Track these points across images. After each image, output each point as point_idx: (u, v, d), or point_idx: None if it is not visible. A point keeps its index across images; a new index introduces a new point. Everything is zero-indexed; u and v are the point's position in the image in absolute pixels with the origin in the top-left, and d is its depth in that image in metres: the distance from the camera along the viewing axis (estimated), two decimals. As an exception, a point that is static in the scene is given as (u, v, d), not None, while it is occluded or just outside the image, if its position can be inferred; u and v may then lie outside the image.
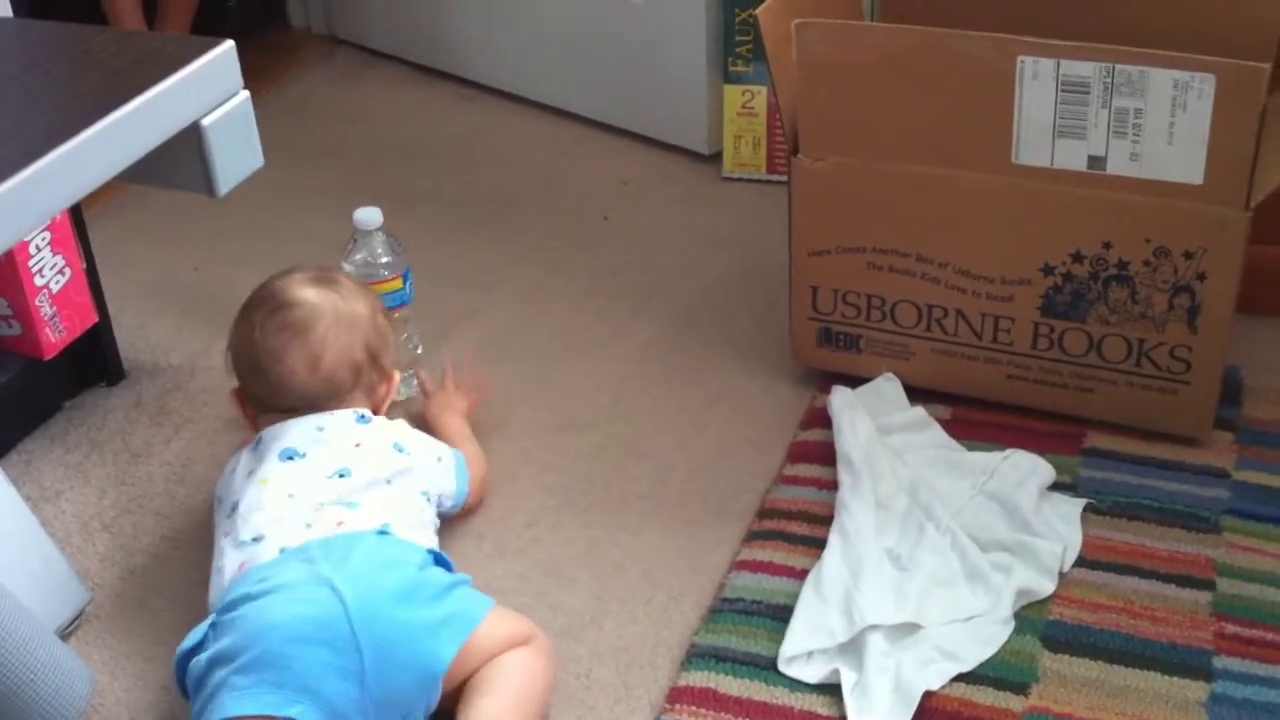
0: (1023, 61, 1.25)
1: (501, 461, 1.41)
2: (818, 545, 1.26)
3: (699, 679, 1.15)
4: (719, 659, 1.16)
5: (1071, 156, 1.28)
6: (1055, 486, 1.32)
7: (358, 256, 1.48)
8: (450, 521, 1.31)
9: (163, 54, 0.94)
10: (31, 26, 1.07)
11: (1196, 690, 1.12)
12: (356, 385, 1.26)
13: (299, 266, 1.31)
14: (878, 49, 1.31)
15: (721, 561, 1.28)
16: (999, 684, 1.13)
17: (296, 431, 1.22)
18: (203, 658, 1.07)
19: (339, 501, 1.16)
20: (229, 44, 0.95)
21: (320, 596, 1.05)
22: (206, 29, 2.14)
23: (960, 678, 1.14)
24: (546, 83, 2.08)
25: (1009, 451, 1.35)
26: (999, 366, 1.41)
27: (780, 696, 1.13)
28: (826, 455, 1.37)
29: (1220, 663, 1.14)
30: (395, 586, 1.07)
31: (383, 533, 1.14)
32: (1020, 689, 1.13)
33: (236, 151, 0.98)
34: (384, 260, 1.48)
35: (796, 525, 1.30)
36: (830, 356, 1.48)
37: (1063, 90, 1.25)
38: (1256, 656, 1.15)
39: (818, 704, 1.13)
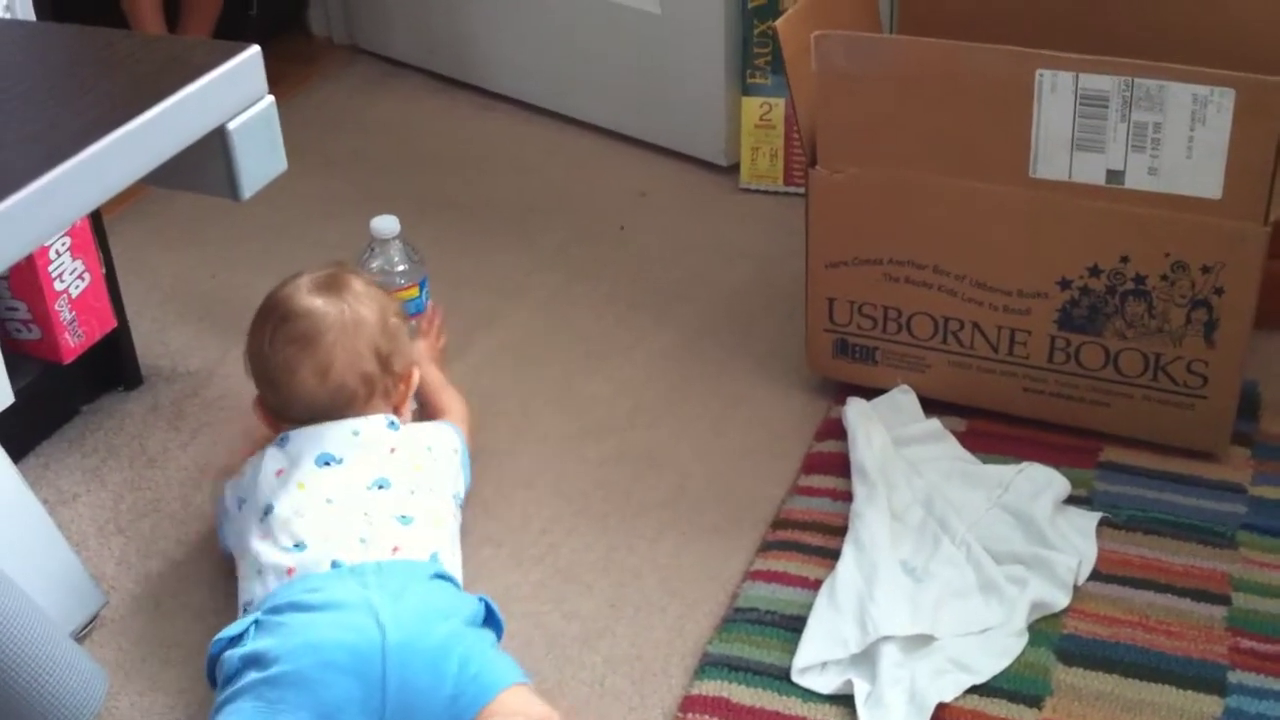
0: (1041, 75, 1.25)
1: (519, 468, 1.42)
2: (832, 556, 1.26)
3: (712, 688, 1.15)
4: (732, 668, 1.16)
5: (1090, 170, 1.28)
6: (1071, 500, 1.32)
7: (374, 264, 1.48)
8: (468, 527, 1.31)
9: (189, 58, 0.95)
10: (57, 30, 1.08)
11: (1211, 705, 1.12)
12: (372, 392, 1.26)
13: (307, 270, 1.29)
14: (896, 61, 1.31)
15: (736, 571, 1.28)
16: (1012, 696, 1.13)
17: (331, 436, 1.22)
18: (238, 653, 1.07)
19: (391, 516, 1.16)
20: (255, 49, 0.95)
21: (364, 626, 1.06)
22: (227, 35, 2.15)
23: (974, 689, 1.14)
24: (565, 93, 2.09)
25: (1024, 465, 1.34)
26: (1015, 380, 1.40)
27: (793, 707, 1.13)
28: (841, 466, 1.37)
29: (1235, 677, 1.14)
30: (439, 639, 1.07)
31: (439, 575, 1.13)
32: (1033, 701, 1.13)
33: (260, 155, 0.99)
34: (400, 268, 1.48)
35: (811, 536, 1.30)
36: (846, 368, 1.48)
37: (1081, 104, 1.26)
38: (1272, 671, 1.14)
39: (831, 715, 1.13)
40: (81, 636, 1.24)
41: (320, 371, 1.23)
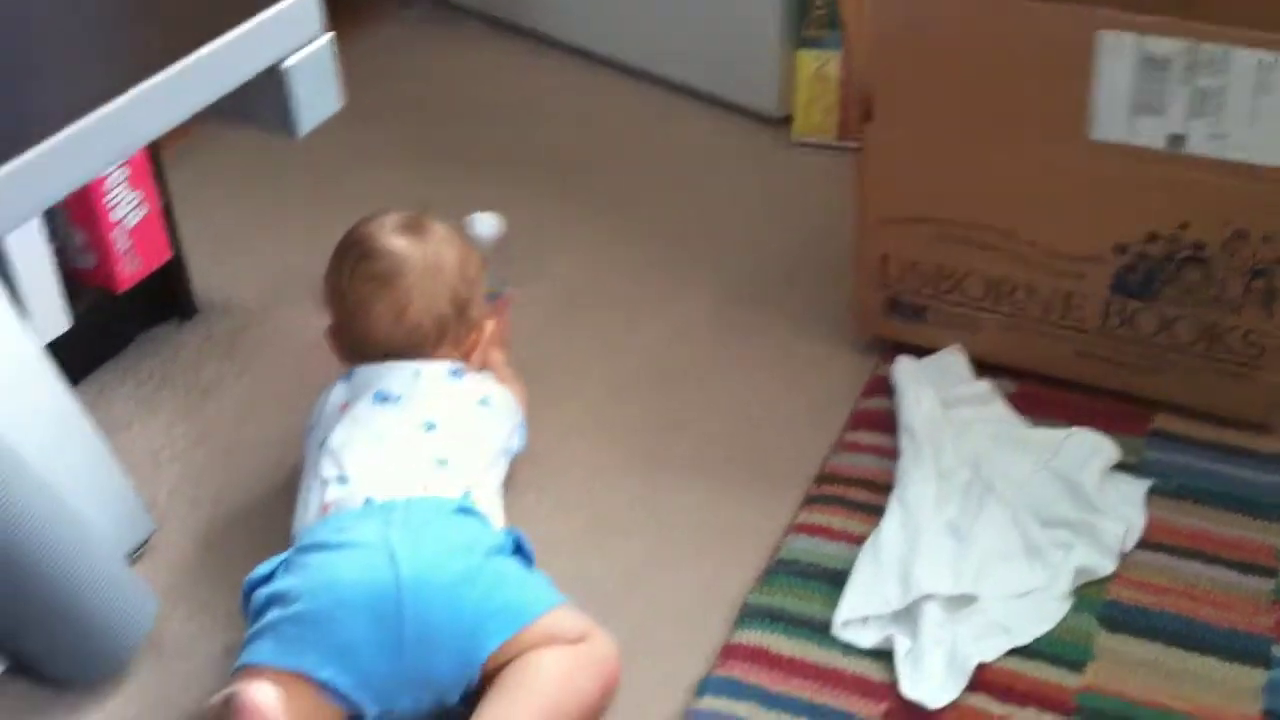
0: (1102, 35, 1.23)
1: (564, 416, 1.42)
2: (876, 512, 1.26)
3: (752, 638, 1.16)
4: (773, 619, 1.17)
5: (1150, 134, 1.26)
6: (1119, 467, 1.31)
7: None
8: (515, 474, 1.32)
9: (249, -6, 0.95)
10: (123, -40, 1.08)
11: (1254, 677, 1.11)
12: (443, 337, 1.26)
13: (390, 209, 1.29)
14: (955, 16, 1.30)
15: (779, 524, 1.28)
16: (1054, 660, 1.13)
17: (393, 375, 1.23)
18: (265, 591, 1.09)
19: (429, 458, 1.17)
20: (312, -13, 0.96)
21: (379, 565, 1.06)
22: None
23: (1014, 652, 1.14)
24: (619, 41, 2.07)
25: (1074, 430, 1.34)
26: (1067, 343, 1.39)
27: (833, 659, 1.14)
28: (888, 423, 1.37)
29: None
30: (455, 572, 1.07)
31: (464, 509, 1.14)
32: (1075, 666, 1.13)
33: (316, 93, 1.00)
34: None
35: (855, 491, 1.30)
36: (895, 326, 1.47)
37: (1142, 66, 1.24)
38: (1316, 646, 1.14)
39: (870, 669, 1.13)
40: (134, 560, 1.26)
41: (396, 311, 1.24)
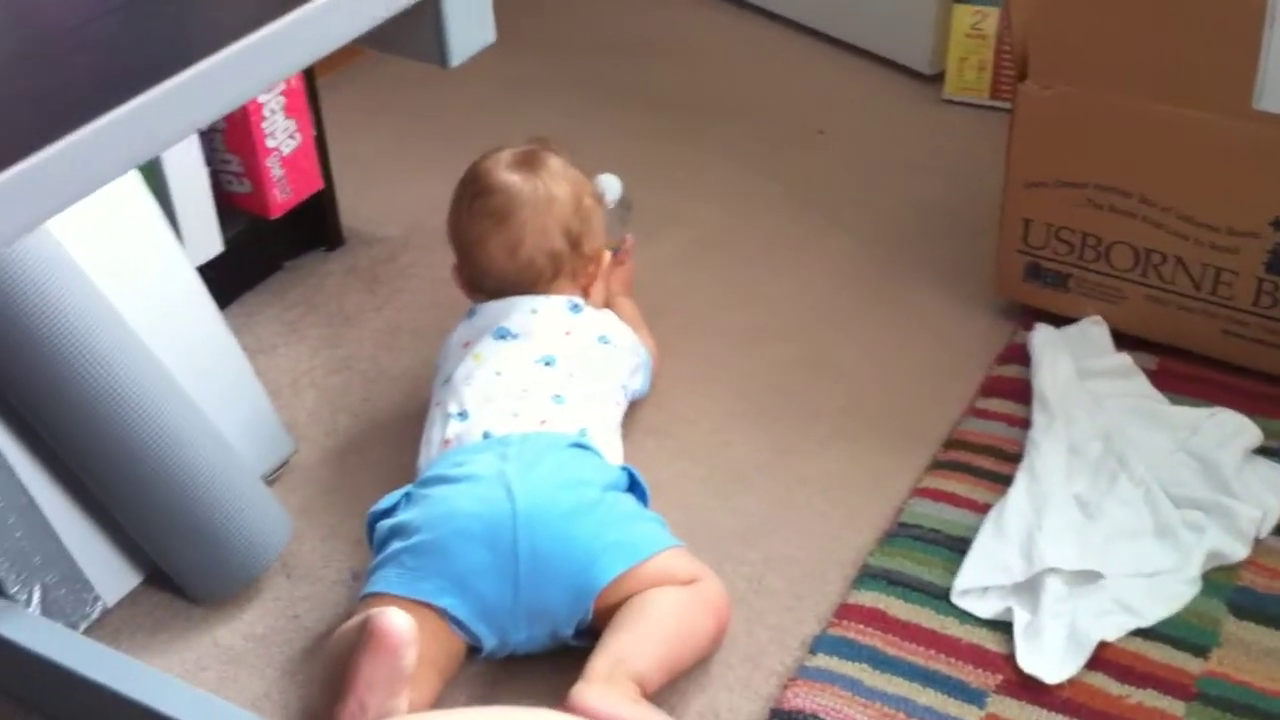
0: None
1: (693, 363, 1.43)
2: (1002, 481, 1.25)
3: (869, 599, 1.16)
4: (891, 582, 1.17)
5: (1322, 107, 1.21)
6: (1261, 451, 1.27)
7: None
8: (639, 419, 1.33)
9: (405, -78, 0.96)
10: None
11: (1387, 676, 1.08)
12: (559, 272, 1.28)
13: (506, 145, 1.31)
14: (1122, -24, 1.26)
15: (903, 486, 1.28)
16: (1178, 643, 1.11)
17: (513, 312, 1.25)
18: (387, 523, 1.12)
19: (546, 394, 1.19)
20: (469, -82, 0.96)
21: (496, 496, 1.09)
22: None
23: (1138, 632, 1.12)
24: (771, -13, 2.05)
25: (1216, 409, 1.30)
26: (1215, 320, 1.35)
27: (949, 627, 1.13)
28: (1021, 392, 1.35)
29: None
30: (569, 505, 1.09)
31: (579, 445, 1.15)
32: (1199, 651, 1.10)
33: (471, 25, 1.00)
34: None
35: (983, 459, 1.28)
36: (1036, 293, 1.44)
37: (1320, 35, 1.18)
38: None
39: (987, 639, 1.12)
40: (271, 480, 1.30)
41: (510, 247, 1.26)
